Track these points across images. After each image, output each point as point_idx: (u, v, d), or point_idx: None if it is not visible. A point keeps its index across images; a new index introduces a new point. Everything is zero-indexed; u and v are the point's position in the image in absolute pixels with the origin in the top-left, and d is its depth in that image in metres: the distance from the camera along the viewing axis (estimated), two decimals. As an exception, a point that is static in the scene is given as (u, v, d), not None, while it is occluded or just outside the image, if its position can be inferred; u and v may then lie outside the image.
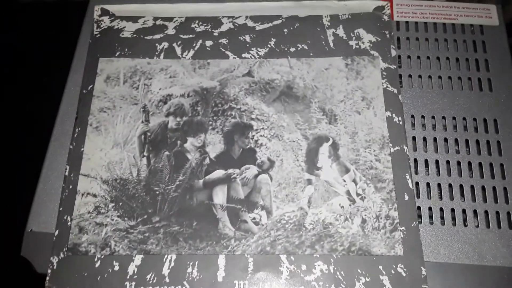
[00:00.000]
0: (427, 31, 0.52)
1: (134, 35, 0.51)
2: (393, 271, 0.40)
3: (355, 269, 0.40)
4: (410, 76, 0.50)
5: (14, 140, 0.58)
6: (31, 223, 0.43)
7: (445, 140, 0.46)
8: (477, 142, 0.46)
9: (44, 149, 0.46)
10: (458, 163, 0.45)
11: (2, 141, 0.59)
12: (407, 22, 0.52)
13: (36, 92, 0.61)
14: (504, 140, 0.46)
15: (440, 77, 0.49)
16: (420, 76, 0.50)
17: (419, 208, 0.43)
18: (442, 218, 0.43)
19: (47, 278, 0.40)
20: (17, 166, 0.57)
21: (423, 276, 0.39)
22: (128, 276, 0.40)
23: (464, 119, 0.47)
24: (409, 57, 0.51)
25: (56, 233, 0.42)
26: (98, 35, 0.51)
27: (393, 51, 0.49)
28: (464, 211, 0.43)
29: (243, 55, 0.50)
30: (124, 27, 0.51)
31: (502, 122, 0.47)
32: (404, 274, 0.40)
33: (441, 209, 0.43)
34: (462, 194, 0.44)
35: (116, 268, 0.40)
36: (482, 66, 0.50)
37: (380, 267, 0.40)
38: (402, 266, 0.40)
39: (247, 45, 0.50)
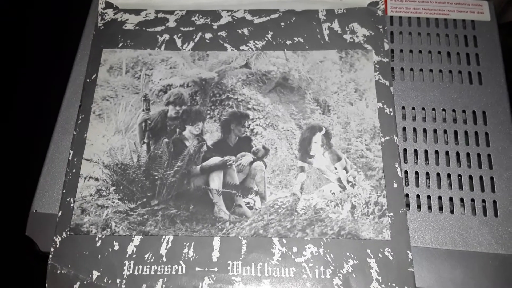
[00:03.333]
0: (420, 26, 0.53)
1: (137, 27, 0.53)
2: (380, 255, 0.41)
3: (343, 252, 0.42)
4: (402, 69, 0.51)
5: (21, 126, 0.60)
6: (36, 204, 0.45)
7: (435, 131, 0.48)
8: (466, 133, 0.48)
9: (49, 135, 0.48)
10: (447, 153, 0.47)
11: (10, 126, 0.61)
12: (400, 17, 0.54)
13: (42, 81, 0.63)
14: (492, 132, 0.47)
15: (431, 70, 0.51)
16: (412, 69, 0.51)
17: (407, 195, 0.45)
18: (429, 205, 0.45)
19: (50, 257, 0.42)
20: (23, 151, 0.59)
21: (409, 260, 0.41)
22: (127, 255, 0.42)
23: (454, 110, 0.49)
24: (401, 50, 0.52)
25: (59, 214, 0.44)
26: (102, 27, 0.53)
27: (386, 45, 0.51)
28: (451, 199, 0.45)
29: (241, 48, 0.51)
30: (127, 20, 0.53)
31: (490, 114, 0.48)
32: (391, 258, 0.41)
33: (429, 197, 0.45)
34: (449, 183, 0.46)
35: (116, 247, 0.42)
36: (472, 60, 0.51)
37: (368, 250, 0.42)
38: (389, 250, 0.42)
39: (245, 37, 0.52)
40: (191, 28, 0.53)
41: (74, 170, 0.45)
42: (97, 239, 0.42)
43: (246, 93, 0.49)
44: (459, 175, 0.46)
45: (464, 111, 0.49)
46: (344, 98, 0.49)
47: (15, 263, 0.53)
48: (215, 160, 0.46)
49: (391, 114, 0.47)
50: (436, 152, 0.47)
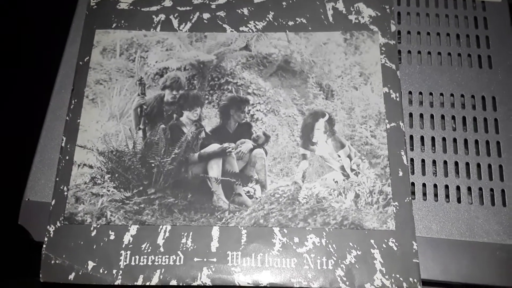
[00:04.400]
0: (428, 6, 0.51)
1: (131, 7, 0.50)
2: (384, 245, 0.40)
3: (346, 242, 0.40)
4: (409, 52, 0.49)
5: (11, 111, 0.58)
6: (28, 192, 0.43)
7: (442, 117, 0.46)
8: (475, 119, 0.46)
9: (41, 121, 0.46)
10: (454, 140, 0.45)
11: (-1, 112, 0.59)
12: (408, -3, 0.52)
13: (32, 63, 0.60)
14: (502, 118, 0.46)
15: (439, 53, 0.49)
16: (419, 52, 0.49)
17: (413, 184, 0.43)
18: (436, 194, 0.43)
19: (44, 246, 0.40)
20: (15, 136, 0.57)
21: (414, 250, 0.40)
22: (123, 245, 0.41)
23: (462, 96, 0.47)
24: (409, 32, 0.50)
25: (53, 202, 0.42)
26: (95, 6, 0.50)
27: (393, 26, 0.48)
28: (458, 188, 0.43)
29: (241, 29, 0.49)
30: (121, -1, 0.50)
31: (500, 100, 0.46)
32: (395, 248, 0.40)
33: (435, 186, 0.43)
34: (457, 171, 0.44)
35: (112, 237, 0.41)
36: (482, 43, 0.49)
37: (372, 241, 0.40)
38: (394, 240, 0.40)
39: (245, 18, 0.50)
40: (188, 8, 0.50)
41: (67, 157, 0.44)
42: (92, 228, 0.41)
43: (246, 77, 0.47)
44: (467, 163, 0.44)
45: (473, 96, 0.47)
46: (349, 83, 0.47)
47: (8, 253, 0.52)
48: (213, 147, 0.44)
49: (397, 99, 0.45)
50: (444, 139, 0.45)
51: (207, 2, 0.50)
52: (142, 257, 0.40)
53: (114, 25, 0.49)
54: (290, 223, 0.41)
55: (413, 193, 0.43)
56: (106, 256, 0.40)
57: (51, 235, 0.41)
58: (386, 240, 0.40)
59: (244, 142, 0.45)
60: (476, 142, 0.45)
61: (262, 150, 0.44)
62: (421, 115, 0.46)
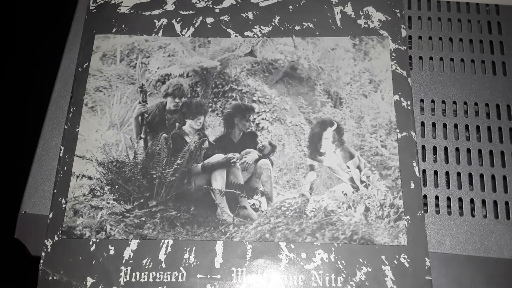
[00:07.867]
0: (440, 10, 0.49)
1: (132, 11, 0.49)
2: (396, 261, 0.39)
3: (356, 258, 0.39)
4: (420, 58, 0.48)
5: (7, 120, 0.57)
6: (25, 205, 0.42)
7: (455, 126, 0.45)
8: (489, 128, 0.44)
9: (38, 130, 0.45)
10: (468, 150, 0.44)
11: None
12: (419, 1, 0.50)
13: (29, 70, 0.59)
14: (517, 127, 0.44)
15: (452, 59, 0.47)
16: (431, 58, 0.47)
17: (425, 196, 0.42)
18: (449, 207, 0.42)
19: (41, 261, 0.39)
20: (11, 147, 0.56)
21: (427, 267, 0.38)
22: (123, 261, 0.39)
23: (476, 104, 0.45)
24: (420, 37, 0.48)
25: (51, 215, 0.41)
26: (94, 10, 0.49)
27: (403, 31, 0.47)
28: (472, 201, 0.42)
29: (246, 33, 0.48)
30: (121, 2, 0.49)
31: (515, 108, 0.45)
32: (407, 265, 0.39)
33: (448, 198, 0.42)
34: (470, 183, 0.42)
35: (112, 252, 0.39)
36: (496, 49, 0.48)
37: (383, 257, 0.39)
38: (406, 256, 0.39)
39: (250, 22, 0.48)
40: (191, 12, 0.49)
41: (65, 168, 0.42)
42: (91, 243, 0.40)
43: (251, 84, 0.46)
44: (481, 175, 0.43)
45: (487, 105, 0.45)
46: (358, 90, 0.45)
47: (4, 268, 0.51)
48: (217, 157, 0.43)
49: (409, 107, 0.44)
50: (457, 149, 0.44)
51: (211, 5, 0.49)
52: (143, 274, 0.39)
53: (114, 29, 0.48)
54: (297, 238, 0.40)
55: (425, 205, 0.42)
56: (105, 272, 0.39)
57: (49, 250, 0.40)
58: (397, 256, 0.39)
59: (249, 152, 0.43)
60: (491, 152, 0.43)
61: (268, 160, 0.43)
62: (433, 124, 0.45)
